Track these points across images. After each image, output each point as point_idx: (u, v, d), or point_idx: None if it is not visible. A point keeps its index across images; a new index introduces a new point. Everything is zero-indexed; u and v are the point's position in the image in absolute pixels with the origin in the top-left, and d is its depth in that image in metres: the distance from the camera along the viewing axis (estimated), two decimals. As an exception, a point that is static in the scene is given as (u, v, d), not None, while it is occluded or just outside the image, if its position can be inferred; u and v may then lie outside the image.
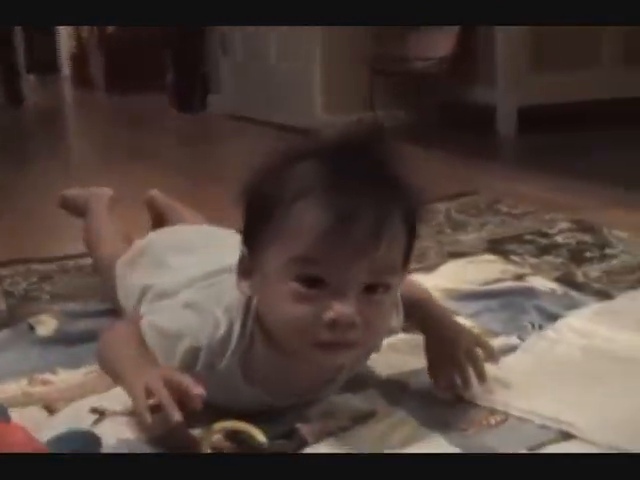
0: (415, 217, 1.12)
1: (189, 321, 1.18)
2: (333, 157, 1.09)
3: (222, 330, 1.15)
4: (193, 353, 1.15)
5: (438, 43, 3.72)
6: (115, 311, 1.63)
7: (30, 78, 8.26)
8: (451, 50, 3.76)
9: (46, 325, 1.60)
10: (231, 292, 1.17)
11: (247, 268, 1.13)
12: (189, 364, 1.16)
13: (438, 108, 3.92)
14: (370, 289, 1.07)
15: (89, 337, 1.54)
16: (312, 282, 1.06)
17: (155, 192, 1.98)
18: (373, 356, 1.31)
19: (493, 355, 1.31)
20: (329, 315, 1.05)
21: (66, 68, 10.01)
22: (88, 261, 2.10)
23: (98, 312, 1.68)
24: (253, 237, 1.12)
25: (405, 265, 1.14)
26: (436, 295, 1.62)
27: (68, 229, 2.54)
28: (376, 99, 3.94)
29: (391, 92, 4.07)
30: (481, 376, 1.27)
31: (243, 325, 1.15)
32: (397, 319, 1.26)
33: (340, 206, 1.03)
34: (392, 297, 1.13)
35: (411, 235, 1.12)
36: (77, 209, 2.01)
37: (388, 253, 1.07)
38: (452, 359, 1.28)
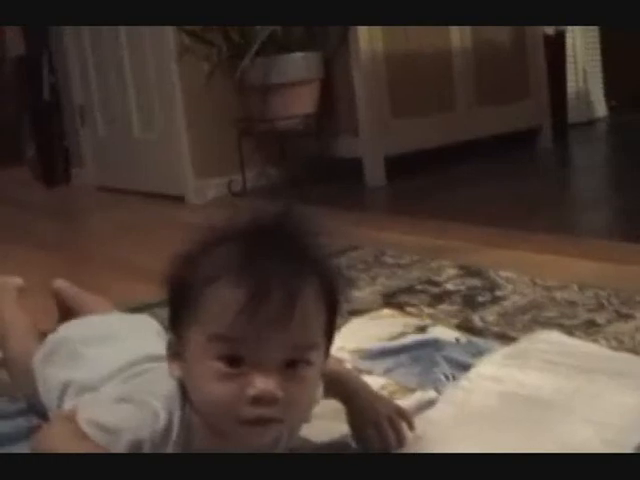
0: (332, 293, 1.15)
1: (127, 415, 1.18)
2: (244, 240, 1.13)
3: (162, 421, 1.16)
4: (136, 447, 1.16)
5: (300, 101, 3.78)
6: (31, 409, 1.62)
7: None
8: (313, 106, 3.84)
9: None
10: (165, 381, 1.19)
11: (176, 351, 1.16)
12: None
13: (306, 164, 3.98)
14: (291, 365, 1.10)
15: (12, 438, 1.54)
16: (232, 360, 1.09)
17: (60, 282, 1.98)
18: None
19: (411, 422, 1.36)
20: (251, 392, 1.08)
21: None
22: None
23: (15, 412, 1.64)
24: (177, 321, 1.16)
25: (327, 341, 1.18)
26: (345, 356, 1.68)
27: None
28: (245, 159, 3.98)
29: (259, 151, 4.13)
30: (401, 441, 1.33)
31: (183, 412, 1.17)
32: (319, 391, 1.30)
33: (251, 284, 1.07)
34: (315, 373, 1.15)
35: (331, 311, 1.16)
36: None
37: (305, 329, 1.10)
38: (375, 426, 1.33)
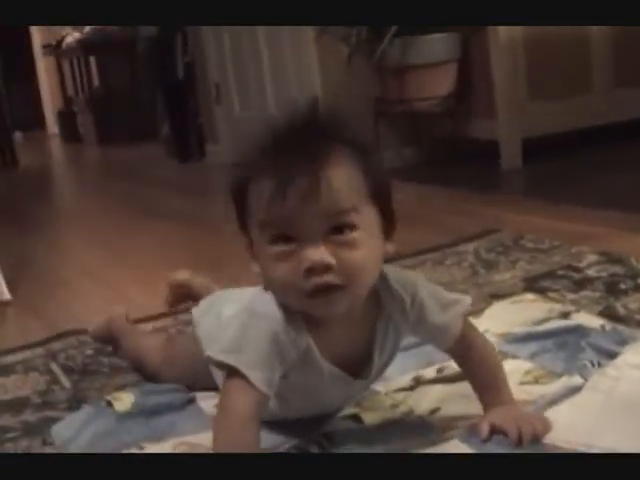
0: (364, 157, 1.25)
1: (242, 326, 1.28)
2: (275, 138, 1.26)
3: (277, 313, 1.27)
4: (275, 339, 1.26)
5: (437, 82, 3.79)
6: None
7: (17, 135, 8.39)
8: (450, 88, 3.84)
9: (123, 401, 1.64)
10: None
11: (253, 252, 1.29)
12: (281, 353, 1.26)
13: (442, 145, 3.98)
14: (336, 231, 1.21)
15: (165, 410, 1.61)
16: (282, 240, 1.21)
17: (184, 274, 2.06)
18: (447, 405, 1.44)
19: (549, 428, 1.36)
20: (304, 265, 1.19)
21: (52, 125, 10.17)
22: (139, 328, 2.17)
23: (171, 389, 1.69)
24: (242, 224, 1.30)
25: (378, 203, 1.26)
26: (491, 340, 1.68)
27: (97, 297, 2.61)
28: (381, 140, 4.01)
29: (395, 132, 4.15)
30: (538, 438, 1.33)
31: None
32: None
33: (278, 171, 1.19)
34: (367, 234, 1.23)
35: (369, 174, 1.24)
36: (105, 339, 2.07)
37: (335, 196, 1.20)
38: (514, 420, 1.35)
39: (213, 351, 1.28)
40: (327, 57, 4.06)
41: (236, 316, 1.33)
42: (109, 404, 1.64)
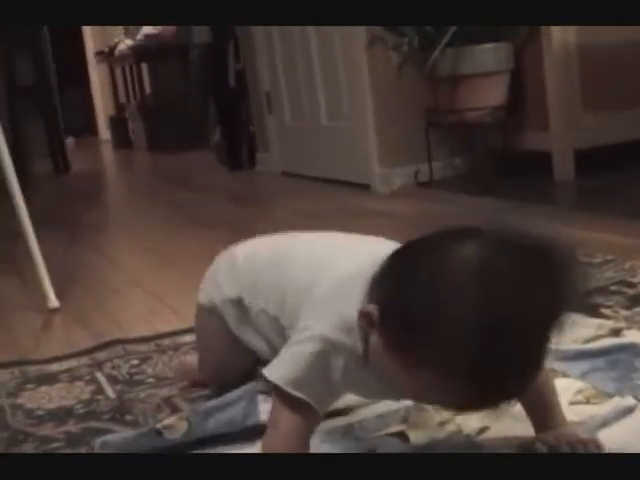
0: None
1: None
2: (485, 297, 1.06)
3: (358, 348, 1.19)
4: (348, 371, 1.21)
5: (489, 92, 3.75)
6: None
7: (70, 141, 8.46)
8: (502, 99, 3.80)
9: (175, 430, 1.49)
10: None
11: (373, 327, 1.13)
12: (347, 378, 1.22)
13: (493, 156, 3.94)
14: None
15: (218, 440, 1.51)
16: None
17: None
18: (496, 425, 1.41)
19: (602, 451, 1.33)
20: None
21: (104, 131, 10.28)
22: (184, 339, 2.15)
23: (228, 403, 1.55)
24: (397, 329, 1.10)
25: None
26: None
27: (143, 307, 2.60)
28: (432, 150, 3.98)
29: (446, 142, 4.12)
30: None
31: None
32: None
33: (484, 386, 1.07)
34: None
35: None
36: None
37: None
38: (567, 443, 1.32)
39: (281, 379, 1.22)
40: (378, 66, 4.04)
41: (310, 338, 1.22)
42: (159, 434, 1.48)
